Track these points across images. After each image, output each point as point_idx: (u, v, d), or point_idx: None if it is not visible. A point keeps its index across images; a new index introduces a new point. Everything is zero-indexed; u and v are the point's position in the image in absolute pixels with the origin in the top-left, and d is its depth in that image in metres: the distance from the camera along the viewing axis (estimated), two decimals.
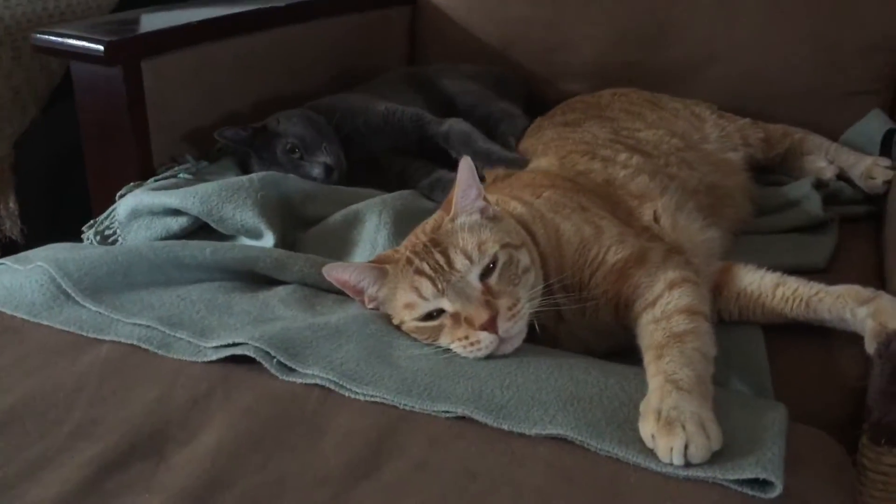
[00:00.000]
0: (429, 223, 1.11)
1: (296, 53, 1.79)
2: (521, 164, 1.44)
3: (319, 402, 0.94)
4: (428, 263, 1.03)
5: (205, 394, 0.95)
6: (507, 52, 2.02)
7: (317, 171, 1.50)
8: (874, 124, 1.70)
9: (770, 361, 1.09)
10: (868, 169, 1.57)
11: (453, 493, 0.82)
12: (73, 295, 1.10)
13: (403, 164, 1.60)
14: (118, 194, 1.45)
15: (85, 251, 1.17)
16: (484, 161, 1.50)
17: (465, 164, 1.07)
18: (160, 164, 1.53)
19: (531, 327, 1.05)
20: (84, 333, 1.05)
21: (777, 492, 0.80)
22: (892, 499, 1.03)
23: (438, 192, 1.45)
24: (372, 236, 1.32)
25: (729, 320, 1.17)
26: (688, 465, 0.83)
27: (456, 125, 1.59)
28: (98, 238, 1.41)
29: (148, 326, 1.05)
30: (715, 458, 0.83)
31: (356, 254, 1.32)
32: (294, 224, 1.41)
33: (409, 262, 1.06)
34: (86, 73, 1.48)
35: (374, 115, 1.61)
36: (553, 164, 1.37)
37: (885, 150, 1.63)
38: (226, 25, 1.64)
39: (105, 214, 1.44)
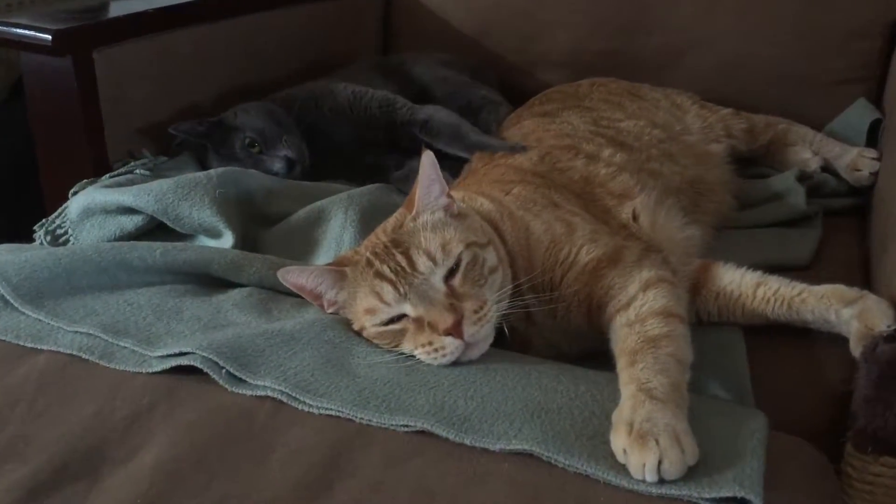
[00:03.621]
0: (390, 222, 1.05)
1: (260, 43, 1.72)
2: (520, 149, 1.37)
3: (270, 416, 0.88)
4: (388, 266, 0.97)
5: (147, 408, 0.89)
6: (482, 40, 1.96)
7: (277, 165, 1.44)
8: (860, 114, 1.65)
9: (750, 365, 1.04)
10: (854, 160, 1.52)
11: None
12: (11, 301, 1.03)
13: (375, 156, 1.53)
14: (71, 192, 1.38)
15: (27, 253, 1.10)
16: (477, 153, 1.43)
17: (428, 159, 1.01)
18: (116, 159, 1.46)
19: (500, 331, 0.99)
20: (21, 343, 0.99)
21: None
22: None
23: (411, 185, 1.39)
24: (337, 235, 1.26)
25: (707, 321, 1.12)
26: (662, 481, 0.78)
27: (437, 114, 1.52)
28: (49, 238, 1.34)
29: (90, 335, 0.99)
30: (690, 474, 0.78)
31: (320, 254, 1.26)
32: (256, 222, 1.34)
33: (370, 264, 1.00)
34: (35, 63, 1.41)
35: (339, 101, 1.54)
36: (532, 160, 1.31)
37: (871, 141, 1.59)
38: (185, 13, 1.57)
39: (56, 213, 1.36)
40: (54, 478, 0.81)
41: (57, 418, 0.88)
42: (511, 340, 1.02)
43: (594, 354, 1.03)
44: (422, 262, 0.97)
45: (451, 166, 1.42)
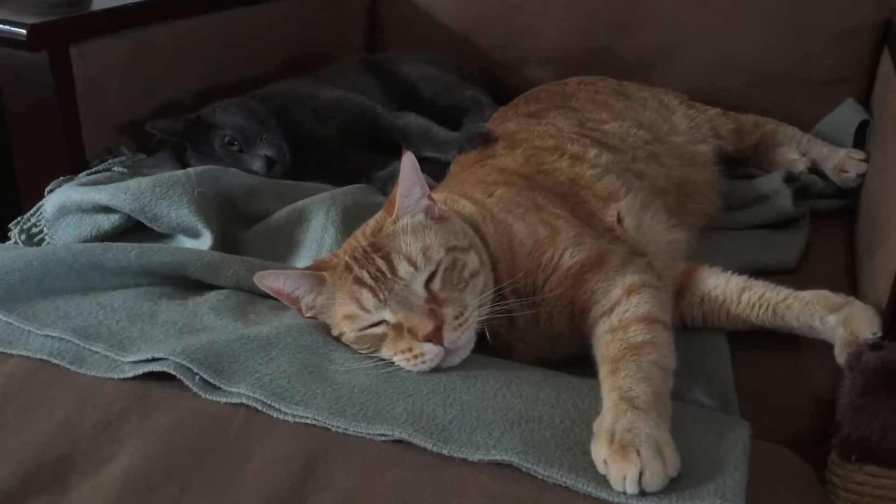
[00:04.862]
0: (369, 225, 1.03)
1: (243, 38, 1.69)
2: (489, 137, 1.35)
3: (244, 425, 0.86)
4: (368, 271, 0.95)
5: (118, 415, 0.87)
6: (470, 36, 1.94)
7: (257, 164, 1.41)
8: (848, 115, 1.64)
9: (734, 371, 1.03)
10: (841, 162, 1.51)
11: None
12: None
13: (358, 157, 1.51)
14: (47, 189, 1.36)
15: None
16: (448, 150, 1.42)
17: (408, 161, 0.99)
18: (94, 156, 1.43)
19: (482, 336, 0.98)
20: None
21: None
22: None
23: (393, 186, 1.37)
24: (318, 235, 1.24)
25: (692, 326, 1.11)
26: (642, 493, 0.76)
27: (413, 120, 1.51)
28: (24, 237, 1.31)
29: (61, 339, 0.96)
30: (672, 486, 0.77)
31: (301, 254, 1.24)
32: (236, 222, 1.32)
33: (349, 268, 0.98)
34: (10, 59, 1.38)
35: (323, 102, 1.52)
36: (517, 161, 1.29)
37: (858, 142, 1.57)
38: (165, 8, 1.54)
39: (32, 211, 1.34)
40: (19, 489, 0.79)
41: (24, 426, 0.86)
42: (493, 345, 1.00)
43: (578, 360, 1.02)
44: (403, 268, 0.95)
45: (434, 170, 1.40)
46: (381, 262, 0.96)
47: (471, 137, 1.38)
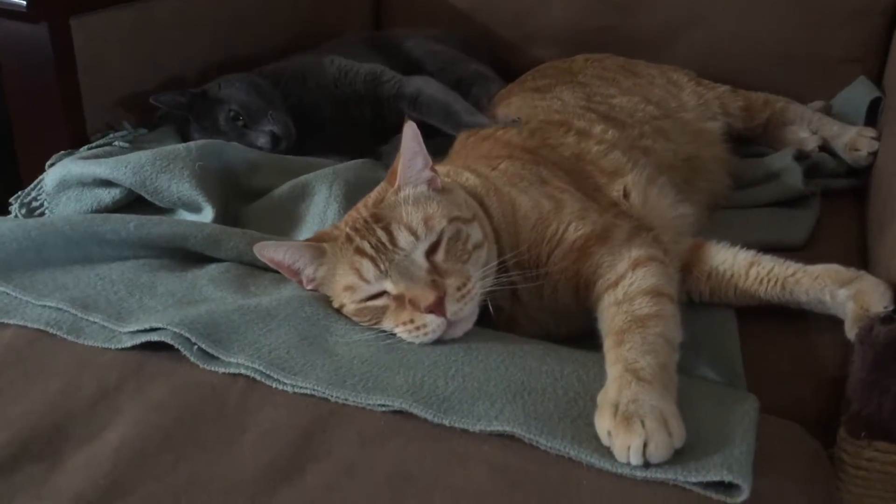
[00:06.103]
0: (371, 196, 1.02)
1: (246, 13, 1.67)
2: (513, 123, 1.32)
3: (242, 395, 0.84)
4: (369, 242, 0.94)
5: (114, 385, 0.86)
6: (475, 15, 1.92)
7: (262, 140, 1.40)
8: (860, 92, 1.61)
9: (742, 346, 1.01)
10: (852, 140, 1.48)
11: (383, 498, 0.74)
12: None
13: (361, 134, 1.49)
14: (47, 164, 1.34)
15: None
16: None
17: (410, 131, 0.97)
18: (94, 131, 1.42)
19: (485, 309, 0.96)
20: None
21: (744, 496, 0.73)
22: (872, 494, 0.96)
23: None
24: (321, 210, 1.23)
25: (699, 301, 1.09)
26: (647, 465, 0.75)
27: (427, 88, 1.47)
28: (24, 211, 1.30)
29: (59, 309, 0.95)
30: (677, 458, 0.76)
31: (303, 229, 1.23)
32: (237, 196, 1.31)
33: (349, 239, 0.96)
34: (10, 31, 1.36)
35: (325, 76, 1.50)
36: (522, 134, 1.27)
37: (870, 120, 1.55)
38: None
39: (32, 185, 1.32)
40: (14, 457, 0.78)
41: (20, 395, 0.85)
42: (496, 319, 0.99)
43: (582, 337, 1.00)
44: (403, 238, 0.93)
45: (437, 143, 1.38)
46: (381, 233, 0.94)
47: (504, 124, 1.34)
